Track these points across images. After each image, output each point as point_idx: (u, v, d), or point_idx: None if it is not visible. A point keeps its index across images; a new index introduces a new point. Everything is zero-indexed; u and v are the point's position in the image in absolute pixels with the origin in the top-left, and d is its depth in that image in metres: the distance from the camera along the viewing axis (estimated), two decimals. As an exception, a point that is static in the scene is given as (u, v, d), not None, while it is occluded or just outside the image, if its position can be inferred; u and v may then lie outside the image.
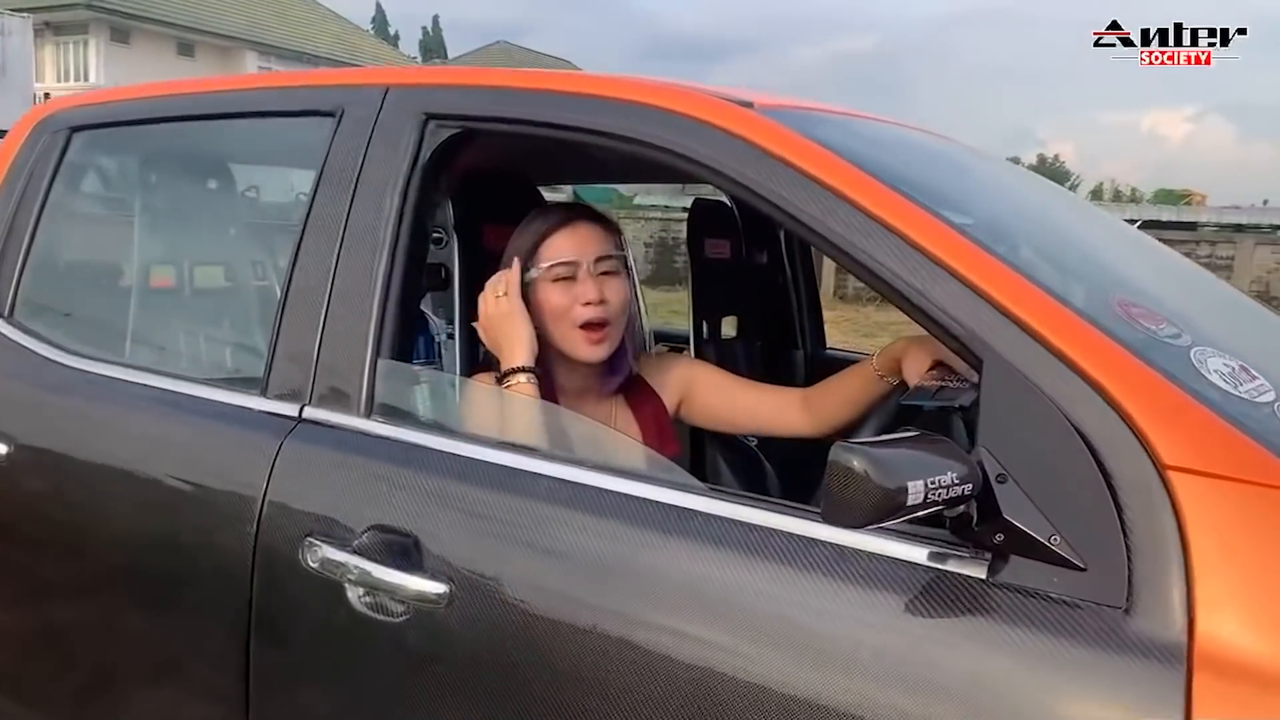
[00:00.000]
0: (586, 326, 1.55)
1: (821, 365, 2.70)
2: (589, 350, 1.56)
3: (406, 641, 1.34)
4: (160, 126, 1.95)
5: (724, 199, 2.69)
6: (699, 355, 2.39)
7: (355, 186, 1.56)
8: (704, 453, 1.94)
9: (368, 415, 1.47)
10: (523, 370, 1.51)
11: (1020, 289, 1.10)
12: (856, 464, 0.96)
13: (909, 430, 1.34)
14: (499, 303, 1.55)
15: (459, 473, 1.37)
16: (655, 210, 18.40)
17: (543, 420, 1.50)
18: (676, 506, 1.22)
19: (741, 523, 1.17)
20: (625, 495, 1.25)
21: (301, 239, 1.58)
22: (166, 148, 2.15)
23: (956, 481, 0.99)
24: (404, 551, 1.34)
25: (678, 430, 1.72)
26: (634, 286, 1.60)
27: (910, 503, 0.96)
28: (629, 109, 1.39)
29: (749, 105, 1.35)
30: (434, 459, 1.39)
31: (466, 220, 1.78)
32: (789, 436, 1.67)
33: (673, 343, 2.86)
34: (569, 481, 1.30)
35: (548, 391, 1.56)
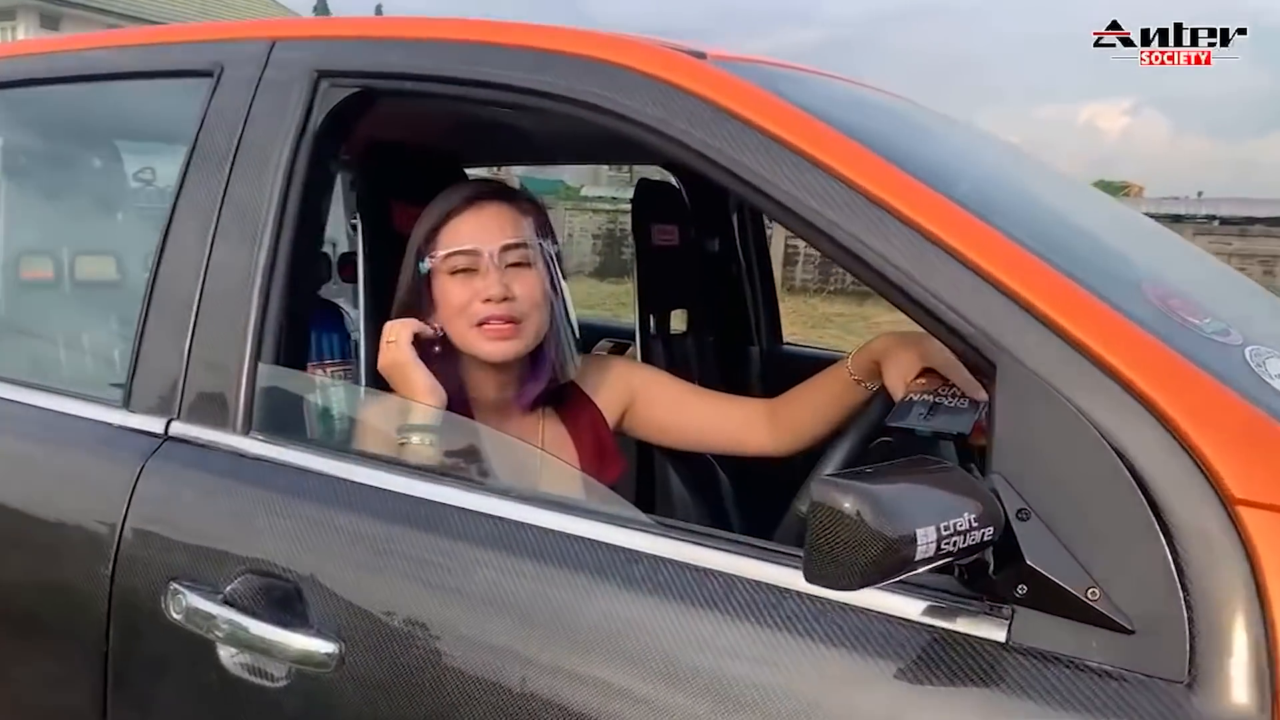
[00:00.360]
0: (486, 324, 1.31)
1: (778, 362, 2.50)
2: (490, 347, 1.30)
3: (289, 710, 1.09)
4: (13, 93, 1.67)
5: (671, 179, 2.47)
6: (645, 352, 2.16)
7: (234, 158, 1.30)
8: (651, 466, 1.71)
9: (246, 432, 1.22)
10: (418, 430, 1.25)
11: (1040, 275, 0.89)
12: (848, 505, 0.73)
13: (888, 444, 1.13)
14: (387, 350, 1.30)
15: (353, 503, 1.13)
16: (603, 201, 18.13)
17: (455, 440, 1.25)
18: (618, 546, 0.99)
19: (695, 567, 0.94)
20: (556, 532, 1.02)
21: (170, 222, 1.33)
22: (19, 117, 1.87)
23: (974, 524, 0.77)
24: (285, 601, 1.10)
25: (621, 444, 1.48)
26: (557, 280, 1.35)
27: (919, 556, 0.74)
28: (560, 62, 1.15)
29: (701, 56, 1.12)
30: (324, 486, 1.15)
31: (372, 199, 1.52)
32: (752, 456, 1.44)
33: (617, 338, 2.63)
34: (488, 515, 1.06)
35: (460, 405, 1.32)
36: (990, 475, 0.86)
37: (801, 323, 11.89)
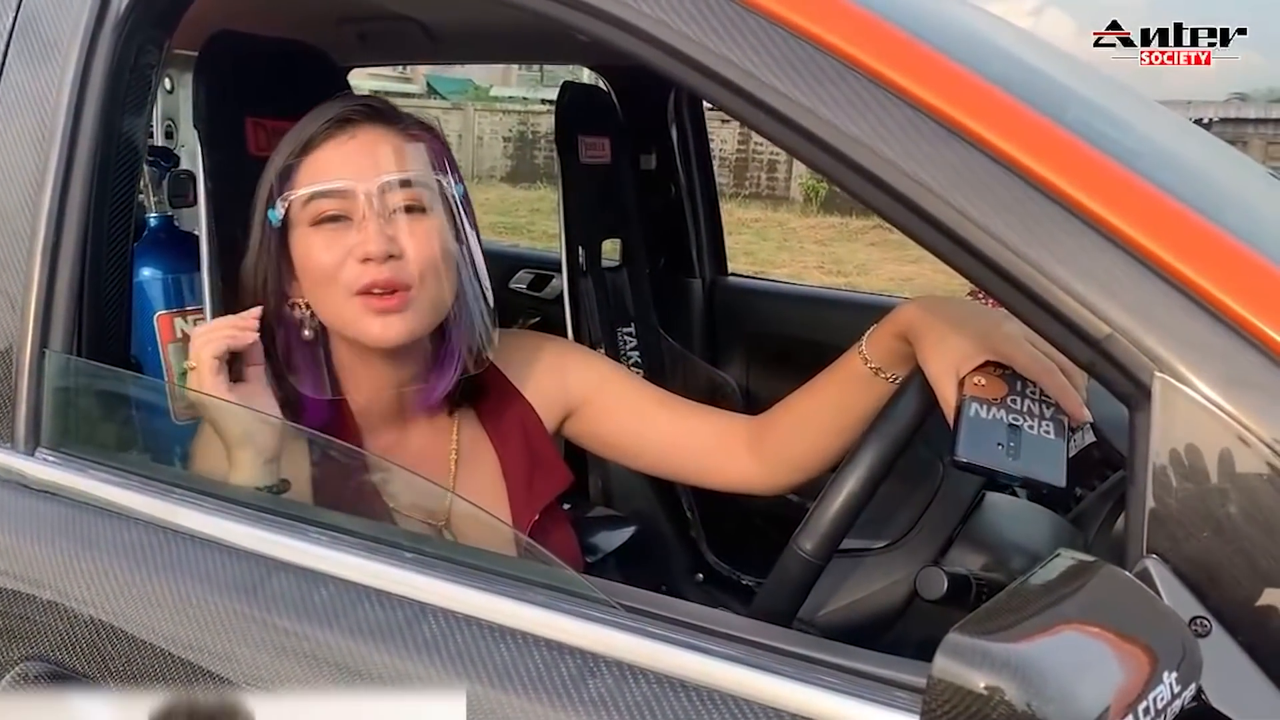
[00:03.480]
0: (368, 292, 0.91)
1: (725, 296, 2.19)
2: (374, 327, 0.91)
3: None
4: None
5: (599, 81, 2.11)
6: (574, 288, 1.82)
7: (5, 49, 0.92)
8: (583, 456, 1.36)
9: (31, 450, 0.86)
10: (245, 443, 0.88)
11: (1231, 253, 0.58)
12: (983, 684, 0.43)
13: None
14: (193, 378, 0.90)
15: (185, 559, 0.79)
16: (514, 102, 17.41)
17: (323, 469, 0.89)
18: (567, 646, 0.67)
19: (693, 686, 0.64)
20: (480, 622, 0.70)
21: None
22: None
23: (1176, 690, 0.47)
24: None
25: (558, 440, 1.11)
26: (465, 231, 0.96)
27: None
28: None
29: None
30: (144, 533, 0.81)
31: (215, 110, 1.13)
32: (729, 490, 1.06)
33: (538, 268, 2.29)
34: (369, 589, 0.73)
35: (338, 418, 0.96)
36: (1142, 560, 0.56)
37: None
